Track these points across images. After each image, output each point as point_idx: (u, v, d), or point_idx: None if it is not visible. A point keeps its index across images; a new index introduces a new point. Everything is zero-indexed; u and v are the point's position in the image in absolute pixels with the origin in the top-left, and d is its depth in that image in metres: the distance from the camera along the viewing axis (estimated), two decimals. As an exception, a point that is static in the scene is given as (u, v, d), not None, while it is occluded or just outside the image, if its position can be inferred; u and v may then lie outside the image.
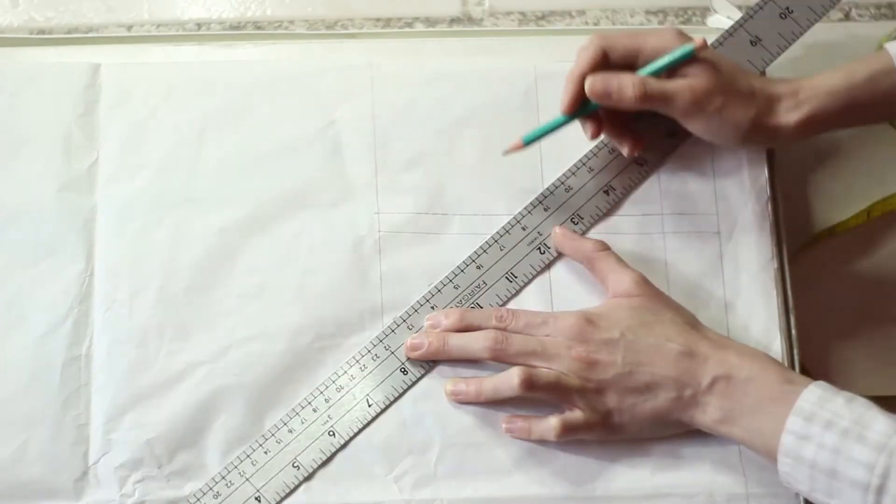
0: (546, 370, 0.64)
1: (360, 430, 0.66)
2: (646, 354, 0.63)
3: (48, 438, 0.64)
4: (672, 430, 0.65)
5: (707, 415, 0.63)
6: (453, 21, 0.80)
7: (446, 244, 0.69)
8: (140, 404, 0.65)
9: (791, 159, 0.76)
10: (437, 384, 0.66)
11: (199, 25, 0.79)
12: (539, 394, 0.64)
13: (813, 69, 0.78)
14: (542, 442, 0.65)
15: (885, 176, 0.77)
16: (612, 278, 0.66)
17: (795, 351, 0.68)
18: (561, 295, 0.69)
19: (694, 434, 0.65)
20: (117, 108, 0.70)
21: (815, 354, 0.66)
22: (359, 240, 0.69)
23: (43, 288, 0.67)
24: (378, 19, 0.79)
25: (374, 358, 0.67)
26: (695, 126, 0.66)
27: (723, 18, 0.76)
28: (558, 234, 0.69)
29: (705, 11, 0.79)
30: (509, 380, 0.63)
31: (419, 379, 0.67)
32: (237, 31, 0.78)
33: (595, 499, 0.65)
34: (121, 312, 0.67)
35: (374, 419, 0.66)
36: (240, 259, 0.68)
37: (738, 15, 0.74)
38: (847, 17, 0.81)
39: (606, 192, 0.70)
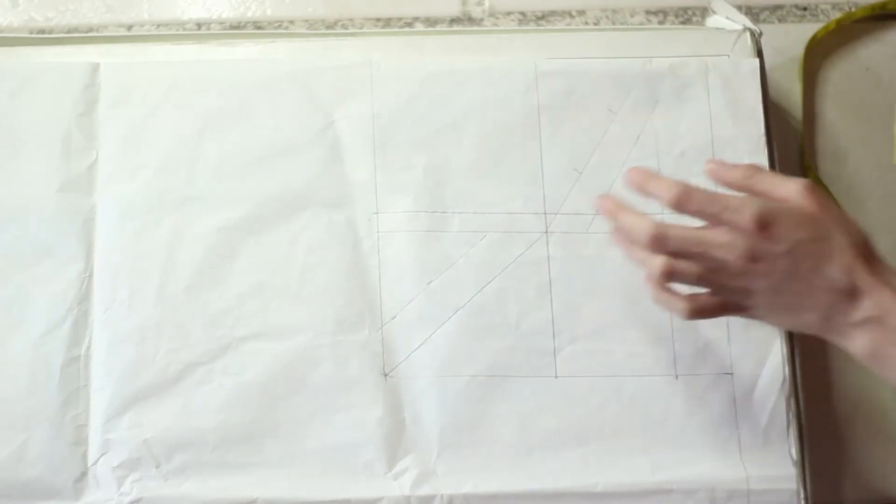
0: (687, 266, 0.61)
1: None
2: (804, 279, 0.60)
3: (48, 439, 0.64)
4: (813, 332, 0.62)
5: (856, 347, 0.60)
6: (453, 21, 0.80)
7: (446, 243, 0.69)
8: (139, 404, 0.65)
9: (791, 158, 0.76)
10: (435, 384, 0.66)
11: (199, 25, 0.79)
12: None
13: (813, 67, 0.78)
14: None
15: (887, 185, 0.77)
16: (780, 190, 0.62)
17: (797, 350, 0.68)
18: (561, 295, 0.69)
19: (695, 429, 0.65)
20: (117, 108, 0.70)
21: (816, 351, 0.66)
22: (358, 239, 0.69)
23: (42, 288, 0.67)
24: (378, 19, 0.79)
25: None
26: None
27: (721, 19, 0.75)
28: (711, 166, 0.64)
29: (705, 11, 0.79)
30: (650, 265, 0.61)
31: None
32: (237, 30, 0.78)
33: (595, 495, 0.64)
34: (120, 312, 0.67)
35: None
36: (239, 258, 0.68)
37: (737, 15, 0.74)
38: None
39: None
